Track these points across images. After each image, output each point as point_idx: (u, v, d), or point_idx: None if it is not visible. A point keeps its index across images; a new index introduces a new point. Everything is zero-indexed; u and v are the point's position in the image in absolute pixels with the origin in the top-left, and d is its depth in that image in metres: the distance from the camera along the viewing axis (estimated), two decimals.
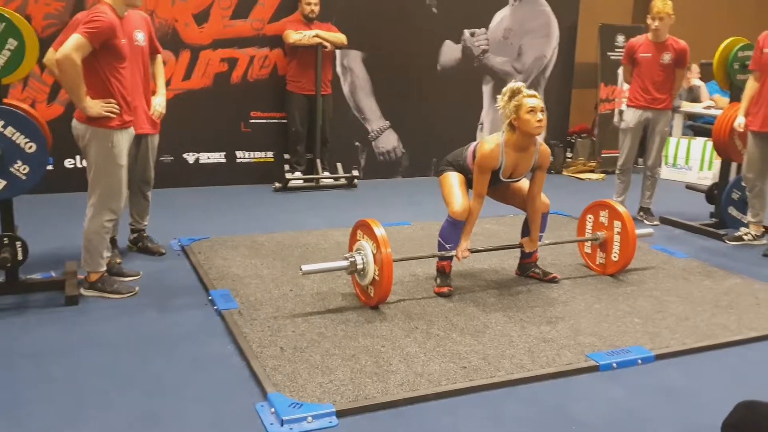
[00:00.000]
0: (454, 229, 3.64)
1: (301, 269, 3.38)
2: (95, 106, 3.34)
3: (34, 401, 2.54)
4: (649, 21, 5.17)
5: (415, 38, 6.86)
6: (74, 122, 3.46)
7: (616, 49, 7.67)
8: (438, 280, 3.72)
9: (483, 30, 7.14)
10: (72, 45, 3.19)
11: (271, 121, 6.50)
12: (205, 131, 6.25)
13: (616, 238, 3.99)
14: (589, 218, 4.19)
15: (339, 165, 6.58)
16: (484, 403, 2.62)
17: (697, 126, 7.99)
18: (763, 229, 4.92)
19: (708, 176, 7.26)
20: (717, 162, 7.22)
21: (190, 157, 6.26)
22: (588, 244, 4.22)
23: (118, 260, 3.90)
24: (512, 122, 3.47)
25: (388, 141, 7.00)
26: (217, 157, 6.37)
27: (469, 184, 3.70)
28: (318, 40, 6.05)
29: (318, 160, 6.40)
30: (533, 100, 3.41)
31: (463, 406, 2.60)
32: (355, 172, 6.52)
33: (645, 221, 5.46)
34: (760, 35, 4.70)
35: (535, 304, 3.58)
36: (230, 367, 2.86)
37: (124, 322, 3.27)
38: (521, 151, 3.55)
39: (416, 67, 6.93)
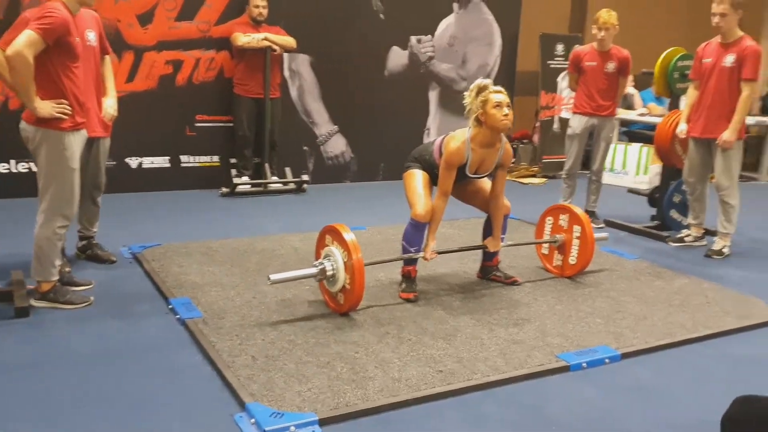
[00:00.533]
0: (417, 232, 3.65)
1: (269, 279, 3.30)
2: (46, 107, 3.18)
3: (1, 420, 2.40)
4: (594, 31, 5.34)
5: (363, 43, 6.86)
6: (23, 124, 3.29)
7: (556, 58, 7.88)
8: (403, 285, 3.72)
9: (429, 37, 7.21)
10: (24, 41, 3.03)
11: (216, 124, 6.36)
12: (149, 135, 6.06)
13: (575, 241, 4.09)
14: (549, 220, 4.28)
15: (288, 170, 6.50)
16: (463, 406, 2.63)
17: (632, 132, 8.30)
18: (703, 231, 5.13)
19: (644, 180, 7.55)
20: (652, 167, 7.56)
21: (133, 162, 6.06)
22: (545, 245, 4.30)
23: (68, 269, 3.72)
24: (479, 117, 3.51)
25: (337, 145, 6.97)
26: (161, 161, 6.19)
27: (434, 180, 3.71)
28: (267, 43, 5.97)
29: (266, 165, 6.30)
30: (499, 95, 3.48)
31: (443, 409, 2.60)
32: (305, 177, 6.46)
33: (591, 224, 5.60)
34: (699, 47, 4.91)
35: (500, 306, 3.63)
36: (201, 377, 2.78)
37: (82, 334, 3.12)
38: (487, 147, 3.59)
39: (364, 72, 6.93)
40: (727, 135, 4.62)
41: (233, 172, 6.23)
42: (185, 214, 5.48)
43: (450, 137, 3.60)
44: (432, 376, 2.79)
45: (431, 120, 7.42)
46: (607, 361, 3.05)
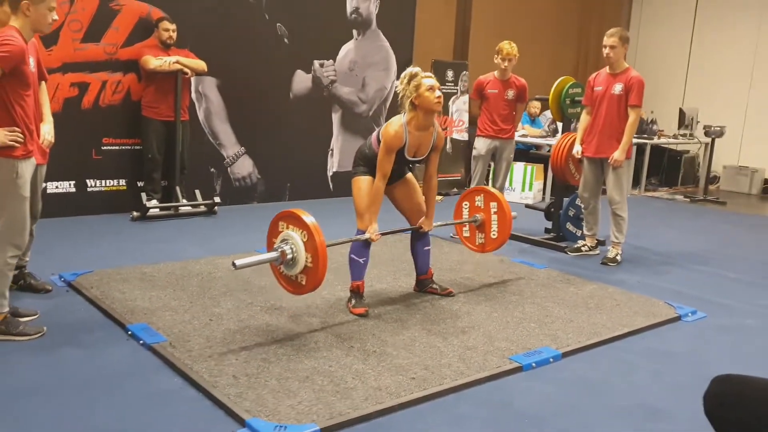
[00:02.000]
0: (363, 243, 3.88)
1: (234, 264, 3.32)
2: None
3: None
4: (498, 61, 5.81)
5: (269, 66, 6.99)
6: None
7: (447, 83, 8.39)
8: (353, 301, 3.92)
9: (331, 61, 7.46)
10: None
11: (123, 147, 6.24)
12: (54, 159, 5.70)
13: (494, 217, 4.51)
14: (465, 205, 4.69)
15: (197, 192, 6.48)
16: (441, 409, 2.88)
17: (516, 151, 8.94)
18: (597, 242, 5.73)
19: (529, 196, 8.21)
20: (536, 183, 8.23)
21: None
22: (466, 227, 4.68)
23: None
24: (413, 101, 3.78)
25: (244, 167, 7.03)
26: (67, 186, 5.98)
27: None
28: (179, 66, 5.96)
29: (177, 188, 6.26)
30: (430, 80, 3.79)
31: (424, 413, 2.84)
32: (217, 199, 6.47)
33: None
34: (590, 76, 5.52)
35: (444, 316, 3.92)
36: (187, 400, 2.83)
37: (46, 366, 3.06)
38: (422, 130, 3.87)
39: (270, 94, 7.06)
40: (618, 155, 5.22)
41: (144, 195, 6.13)
42: (102, 239, 5.34)
43: (387, 125, 3.85)
44: (407, 383, 3.02)
45: (334, 141, 7.66)
46: (551, 360, 3.41)
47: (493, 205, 4.53)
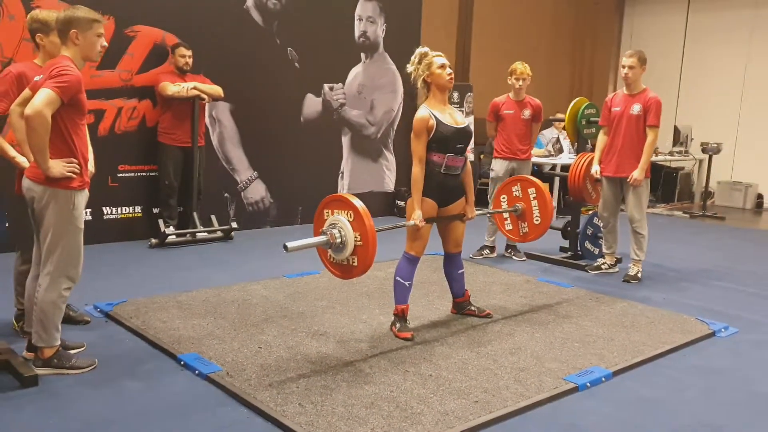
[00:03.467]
0: (411, 266, 3.92)
1: (286, 247, 3.34)
2: (57, 166, 3.11)
3: None
4: (512, 81, 5.89)
5: (280, 91, 7.03)
6: (28, 182, 3.19)
7: (453, 104, 8.46)
8: (398, 326, 3.93)
9: (340, 85, 7.51)
10: (43, 100, 2.96)
11: (139, 174, 6.22)
12: None
13: (534, 203, 4.56)
14: (503, 198, 4.75)
15: (213, 217, 6.46)
16: (510, 431, 2.90)
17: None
18: (616, 259, 5.80)
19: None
20: None
21: None
22: (508, 220, 4.72)
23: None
24: (426, 79, 3.86)
25: (257, 191, 7.02)
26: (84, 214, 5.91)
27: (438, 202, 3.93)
28: (196, 92, 5.97)
29: (194, 214, 6.23)
30: (441, 58, 3.87)
31: None
32: (234, 224, 6.45)
33: (514, 257, 6.14)
34: (608, 97, 5.63)
35: (489, 338, 3.94)
36: (258, 430, 2.82)
37: (104, 399, 3.03)
38: (444, 105, 3.92)
39: (281, 118, 7.08)
40: (637, 174, 5.31)
41: (161, 222, 6.09)
42: (125, 268, 5.30)
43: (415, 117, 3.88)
44: (471, 407, 3.03)
45: (344, 164, 7.69)
46: (603, 379, 3.45)
47: (531, 191, 4.60)
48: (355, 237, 3.42)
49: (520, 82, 5.86)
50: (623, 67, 5.35)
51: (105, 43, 3.29)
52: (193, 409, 2.97)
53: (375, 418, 2.88)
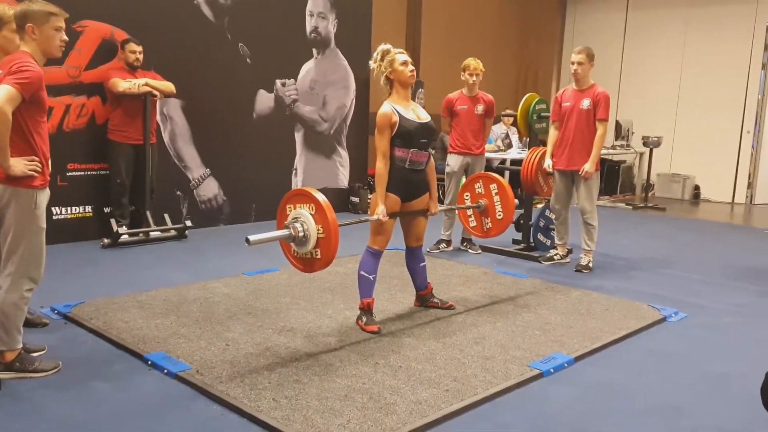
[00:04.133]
0: (374, 260, 3.97)
1: (248, 240, 3.35)
2: (19, 165, 3.02)
3: None
4: (465, 77, 5.98)
5: (232, 87, 6.96)
6: None
7: None
8: (364, 319, 3.96)
9: (292, 81, 7.49)
10: (4, 97, 2.88)
11: (89, 173, 6.08)
12: None
13: (496, 198, 4.66)
14: (466, 195, 4.84)
15: (166, 216, 6.36)
16: (482, 418, 2.97)
17: None
18: (567, 250, 5.97)
19: None
20: None
21: None
22: (472, 217, 4.82)
23: None
24: (388, 76, 3.92)
25: (210, 189, 6.95)
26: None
27: (402, 197, 4.00)
28: (148, 88, 5.86)
29: (147, 212, 6.13)
30: (403, 55, 3.94)
31: (470, 422, 2.92)
32: (188, 222, 6.37)
33: (470, 250, 6.25)
34: (557, 93, 5.78)
35: (453, 329, 4.02)
36: (234, 426, 2.82)
37: (74, 402, 2.98)
38: (407, 101, 3.98)
39: (233, 114, 7.02)
40: (588, 166, 5.48)
41: (113, 222, 5.97)
42: (79, 269, 5.18)
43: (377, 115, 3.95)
44: (443, 395, 3.10)
45: (298, 160, 7.67)
46: (566, 365, 3.56)
47: (493, 186, 4.71)
48: (318, 230, 3.45)
49: (474, 78, 5.96)
50: (572, 63, 5.51)
51: (65, 37, 3.21)
52: (167, 407, 2.95)
53: (350, 410, 2.91)
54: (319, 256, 3.52)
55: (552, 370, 3.47)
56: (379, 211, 3.87)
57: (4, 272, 3.12)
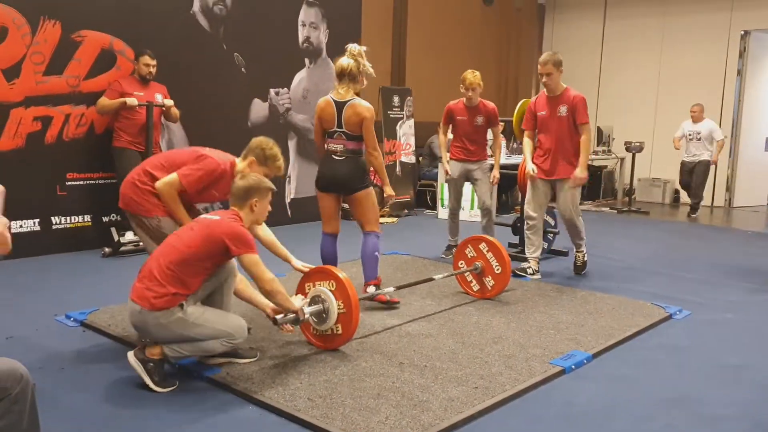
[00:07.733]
0: (380, 242, 4.51)
1: (275, 321, 3.40)
2: None
3: None
4: (463, 90, 6.00)
5: (228, 96, 6.99)
6: None
7: (394, 108, 8.64)
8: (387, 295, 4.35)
9: (286, 90, 7.54)
10: None
11: (89, 182, 6.05)
12: (17, 196, 5.53)
13: (489, 255, 4.75)
14: (461, 263, 4.90)
15: None
16: (515, 413, 3.05)
17: None
18: (538, 265, 5.88)
19: (477, 214, 8.51)
20: None
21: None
22: (473, 282, 4.85)
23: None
24: (360, 73, 4.38)
25: None
26: (31, 224, 5.71)
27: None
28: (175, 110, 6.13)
29: None
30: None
31: (501, 417, 3.00)
32: None
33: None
34: (530, 102, 5.79)
35: (470, 330, 4.09)
36: (274, 426, 2.85)
37: (106, 402, 2.98)
38: None
39: (229, 123, 7.03)
40: (579, 172, 5.39)
41: (113, 231, 5.94)
42: (83, 277, 5.15)
43: (364, 107, 4.32)
44: (473, 393, 3.16)
45: (291, 168, 7.71)
46: (585, 361, 3.66)
47: (482, 246, 4.78)
48: (339, 305, 3.54)
49: (470, 92, 5.94)
50: (541, 75, 5.41)
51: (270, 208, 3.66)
52: (203, 409, 2.97)
53: (386, 408, 2.96)
54: (340, 332, 3.59)
55: (573, 367, 3.56)
56: (389, 192, 4.66)
57: None
